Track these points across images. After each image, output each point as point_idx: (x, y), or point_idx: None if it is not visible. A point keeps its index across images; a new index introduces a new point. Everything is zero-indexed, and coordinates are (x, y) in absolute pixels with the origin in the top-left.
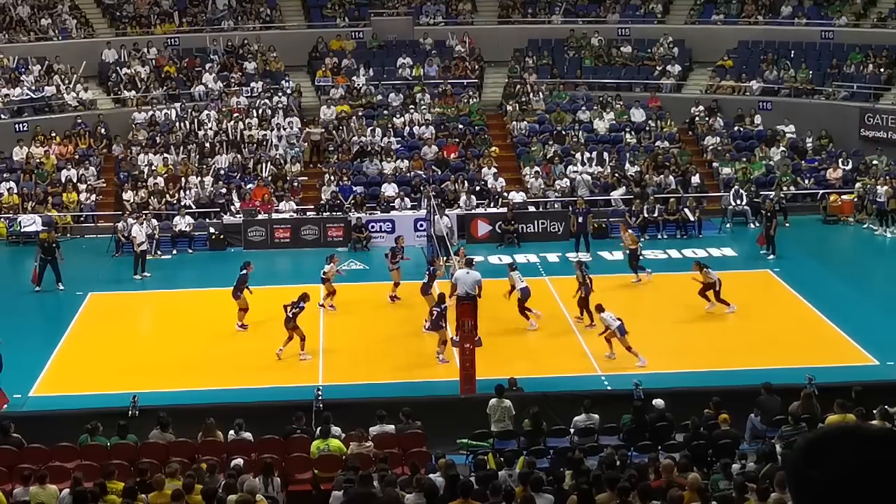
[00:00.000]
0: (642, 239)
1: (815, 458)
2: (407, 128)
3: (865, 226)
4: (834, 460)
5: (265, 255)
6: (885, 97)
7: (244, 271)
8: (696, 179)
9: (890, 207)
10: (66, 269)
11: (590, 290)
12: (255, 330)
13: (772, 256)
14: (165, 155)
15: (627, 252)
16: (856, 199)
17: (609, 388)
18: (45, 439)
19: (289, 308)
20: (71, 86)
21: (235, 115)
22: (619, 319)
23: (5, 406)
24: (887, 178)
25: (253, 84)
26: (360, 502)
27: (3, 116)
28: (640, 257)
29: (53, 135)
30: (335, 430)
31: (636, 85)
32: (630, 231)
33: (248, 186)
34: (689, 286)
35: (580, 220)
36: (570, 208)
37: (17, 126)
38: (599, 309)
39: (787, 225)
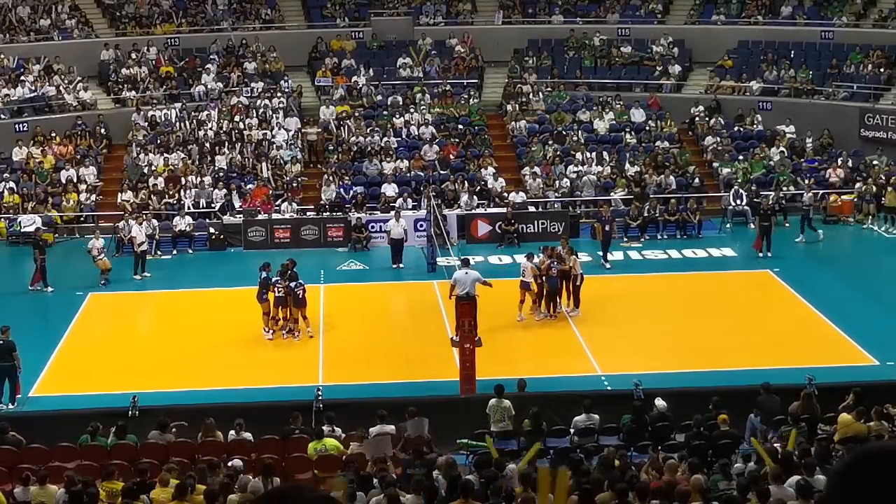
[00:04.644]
0: (642, 239)
1: (857, 481)
2: (407, 128)
3: (865, 226)
4: (877, 485)
5: (265, 256)
6: (885, 97)
7: (264, 273)
8: (696, 180)
9: (889, 204)
10: (66, 269)
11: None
12: (255, 330)
13: (769, 255)
14: (165, 155)
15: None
16: (856, 200)
17: (609, 388)
18: (45, 439)
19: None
20: (71, 86)
21: (235, 115)
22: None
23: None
24: (870, 177)
25: (253, 84)
26: (276, 500)
27: (2, 116)
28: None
29: (53, 135)
30: (336, 430)
31: (636, 85)
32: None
33: (249, 187)
34: (689, 286)
35: (606, 227)
36: (596, 217)
37: (16, 126)
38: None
39: (787, 225)
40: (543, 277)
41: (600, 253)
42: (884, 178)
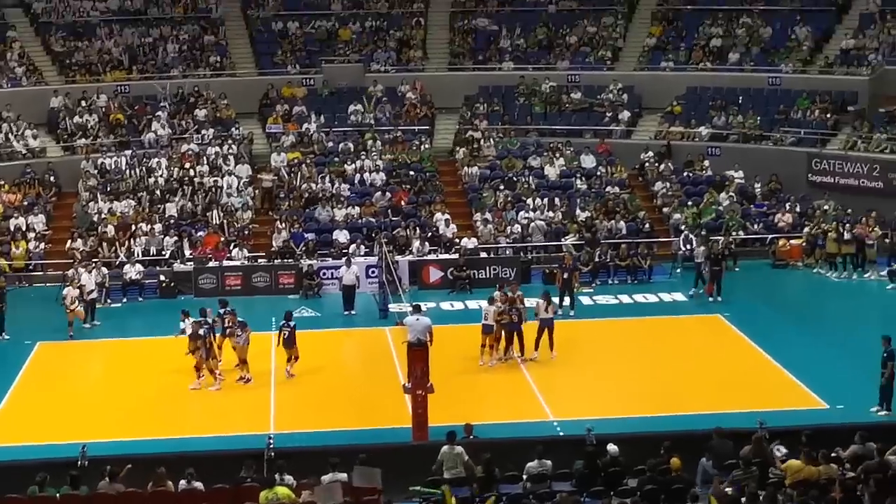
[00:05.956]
0: (594, 285)
1: None
2: (358, 174)
3: (814, 270)
4: None
5: (216, 303)
6: (832, 142)
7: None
8: (646, 225)
9: (830, 251)
10: (15, 318)
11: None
12: (206, 378)
13: (719, 299)
14: (115, 203)
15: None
16: (804, 244)
17: (561, 433)
18: None
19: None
20: (19, 133)
21: (186, 162)
22: None
23: None
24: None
25: (203, 131)
26: None
27: None
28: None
29: (1, 182)
30: (287, 478)
31: (586, 131)
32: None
33: (199, 234)
34: (640, 331)
35: (565, 276)
36: (558, 264)
37: None
38: None
39: (737, 269)
40: (499, 322)
41: (556, 299)
42: (824, 224)
